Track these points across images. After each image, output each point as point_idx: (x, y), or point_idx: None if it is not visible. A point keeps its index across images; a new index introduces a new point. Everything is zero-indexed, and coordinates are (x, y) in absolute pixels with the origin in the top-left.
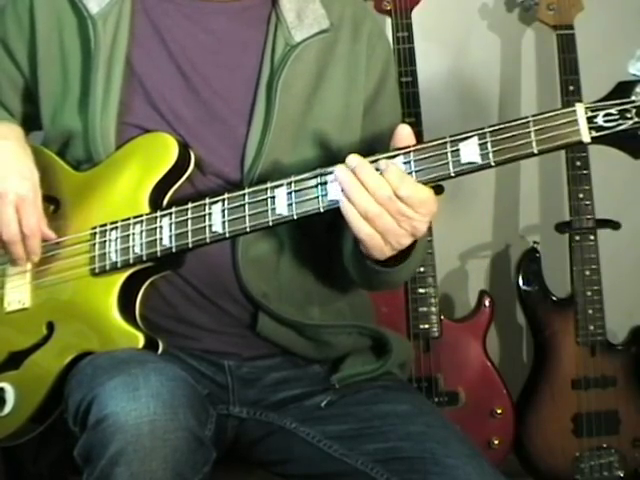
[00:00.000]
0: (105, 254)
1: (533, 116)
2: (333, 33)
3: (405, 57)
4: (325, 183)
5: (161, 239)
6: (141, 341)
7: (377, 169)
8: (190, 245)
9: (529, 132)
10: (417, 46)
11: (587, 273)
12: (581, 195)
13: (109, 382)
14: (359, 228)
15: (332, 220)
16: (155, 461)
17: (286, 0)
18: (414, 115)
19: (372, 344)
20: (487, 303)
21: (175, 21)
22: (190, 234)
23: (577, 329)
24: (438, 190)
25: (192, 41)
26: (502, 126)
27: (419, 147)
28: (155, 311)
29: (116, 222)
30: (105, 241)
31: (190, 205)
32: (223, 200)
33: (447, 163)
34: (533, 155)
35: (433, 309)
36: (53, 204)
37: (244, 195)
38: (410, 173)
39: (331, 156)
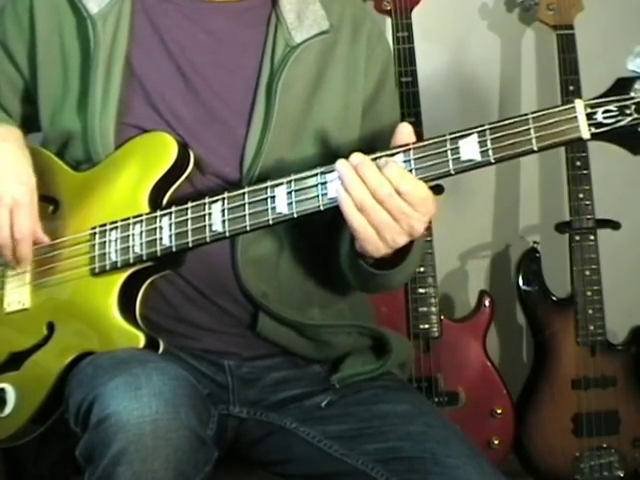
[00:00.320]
0: (105, 254)
1: (532, 113)
2: (333, 34)
3: (405, 57)
4: (325, 183)
5: (161, 239)
6: (142, 341)
7: (378, 167)
8: (190, 244)
9: (529, 129)
10: (417, 46)
11: (587, 273)
12: (581, 195)
13: (110, 382)
14: (353, 217)
15: (332, 220)
16: (157, 460)
17: (286, 1)
18: (414, 115)
19: (372, 344)
20: (487, 303)
21: (175, 21)
22: (190, 233)
23: (577, 329)
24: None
25: (192, 41)
26: (502, 123)
27: (419, 145)
28: (155, 311)
29: (116, 222)
30: (105, 241)
31: (190, 204)
32: (223, 199)
33: (447, 161)
34: (533, 152)
35: (433, 309)
36: (52, 204)
37: (244, 194)
38: (410, 171)
39: (330, 157)
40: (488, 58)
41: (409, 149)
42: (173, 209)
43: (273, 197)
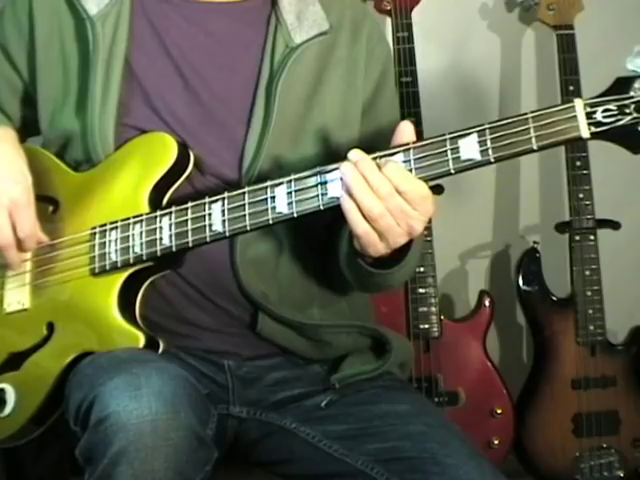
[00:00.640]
0: (105, 254)
1: (532, 112)
2: (332, 35)
3: (405, 57)
4: (325, 182)
5: (161, 239)
6: (141, 341)
7: (378, 166)
8: (190, 244)
9: (528, 128)
10: (417, 46)
11: (587, 273)
12: (581, 195)
13: (110, 382)
14: (357, 223)
15: (331, 220)
16: (157, 460)
17: (286, 2)
18: (414, 115)
19: (372, 344)
20: (487, 303)
21: (174, 22)
22: (190, 233)
23: (577, 329)
24: (438, 190)
25: (191, 42)
26: (501, 123)
27: (419, 144)
28: (155, 311)
29: (116, 222)
30: (105, 241)
31: (190, 204)
32: (223, 199)
33: (447, 160)
34: (533, 151)
35: (433, 309)
36: (52, 205)
37: (244, 194)
38: (410, 170)
39: (330, 158)
40: (488, 58)
41: (409, 149)
42: (173, 209)
43: (273, 197)
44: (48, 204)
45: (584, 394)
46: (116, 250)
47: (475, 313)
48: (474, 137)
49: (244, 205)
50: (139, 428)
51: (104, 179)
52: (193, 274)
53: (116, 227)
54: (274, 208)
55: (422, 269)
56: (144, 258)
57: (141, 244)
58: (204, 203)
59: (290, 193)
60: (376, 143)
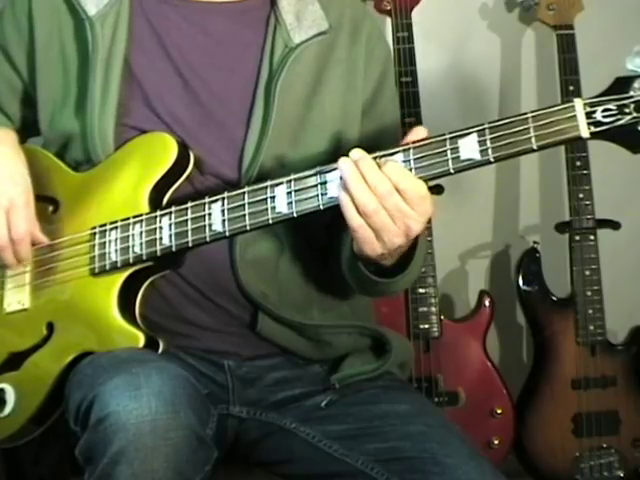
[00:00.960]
0: (105, 254)
1: (532, 112)
2: (332, 35)
3: (405, 57)
4: (325, 182)
5: (161, 238)
6: (141, 341)
7: (378, 165)
8: (190, 244)
9: (528, 128)
10: (417, 46)
11: (587, 273)
12: (581, 195)
13: (110, 381)
14: (353, 218)
15: (332, 222)
16: (156, 460)
17: (285, 2)
18: (414, 115)
19: (372, 344)
20: (487, 303)
21: (174, 23)
22: (190, 233)
23: (577, 329)
24: (438, 190)
25: (191, 43)
26: (501, 122)
27: (418, 144)
28: (155, 310)
29: (116, 222)
30: (105, 241)
31: (190, 204)
32: (223, 199)
33: (446, 160)
34: (532, 151)
35: (433, 309)
36: (52, 205)
37: (244, 194)
38: (410, 170)
39: (329, 158)
40: (488, 58)
41: (408, 148)
42: (173, 209)
43: (273, 197)
44: (48, 204)
45: (584, 394)
46: (116, 250)
47: (475, 313)
48: (474, 137)
49: (244, 205)
50: (139, 428)
51: (104, 179)
52: (193, 274)
53: (116, 227)
54: (274, 208)
55: (422, 269)
56: (144, 258)
57: (141, 244)
58: (204, 203)
59: (290, 193)
60: (376, 143)
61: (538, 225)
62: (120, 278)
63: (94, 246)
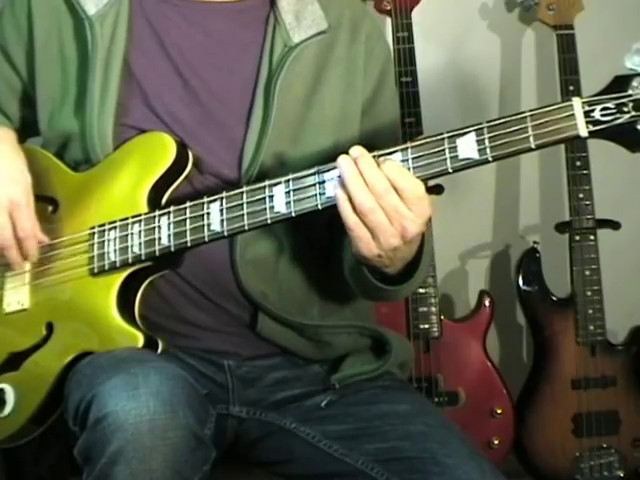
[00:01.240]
0: (104, 254)
1: (530, 111)
2: (331, 34)
3: (405, 57)
4: (323, 182)
5: (160, 238)
6: (140, 340)
7: (376, 163)
8: (189, 244)
9: (526, 127)
10: (417, 46)
11: (587, 273)
12: (581, 195)
13: (109, 381)
14: (348, 216)
15: (332, 222)
16: (155, 460)
17: (285, 1)
18: (414, 115)
19: (372, 344)
20: (487, 303)
21: (173, 22)
22: (188, 233)
23: (577, 329)
24: (438, 190)
25: (190, 42)
26: (499, 121)
27: (417, 143)
28: (154, 310)
29: (114, 222)
30: (104, 241)
31: (188, 204)
32: (221, 199)
33: (445, 159)
34: (531, 150)
35: (433, 309)
36: (51, 205)
37: (242, 194)
38: (408, 169)
39: (329, 157)
40: (488, 58)
41: (407, 148)
42: (172, 209)
43: (271, 196)
44: (47, 204)
45: (584, 394)
46: (115, 250)
47: (475, 313)
48: (472, 136)
49: (242, 205)
50: (137, 428)
51: (103, 179)
52: (192, 274)
53: (115, 227)
54: (272, 207)
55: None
56: (143, 258)
57: (140, 244)
58: (202, 203)
59: (288, 192)
60: (376, 142)
61: (538, 225)
62: (119, 278)
63: (93, 246)
